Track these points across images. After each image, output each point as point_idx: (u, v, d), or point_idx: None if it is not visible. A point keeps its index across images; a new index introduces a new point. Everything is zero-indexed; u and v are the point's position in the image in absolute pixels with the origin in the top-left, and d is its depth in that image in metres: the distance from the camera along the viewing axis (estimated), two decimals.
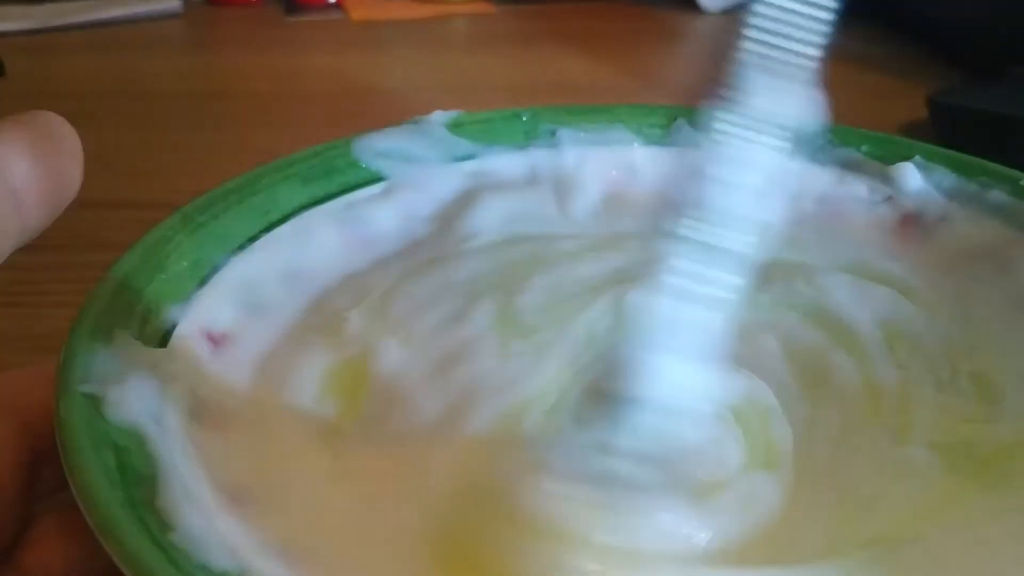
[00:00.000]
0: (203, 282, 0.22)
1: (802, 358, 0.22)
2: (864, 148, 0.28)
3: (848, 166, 0.28)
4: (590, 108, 0.30)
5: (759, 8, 0.17)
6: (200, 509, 0.16)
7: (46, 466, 0.18)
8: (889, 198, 0.27)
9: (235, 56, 0.65)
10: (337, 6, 0.75)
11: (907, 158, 0.27)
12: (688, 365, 0.16)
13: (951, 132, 0.47)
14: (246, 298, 0.23)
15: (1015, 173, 0.26)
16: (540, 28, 0.72)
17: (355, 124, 0.28)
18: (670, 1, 0.75)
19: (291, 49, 0.67)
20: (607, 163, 0.29)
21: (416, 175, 0.27)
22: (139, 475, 0.16)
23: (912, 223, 0.26)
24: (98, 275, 0.20)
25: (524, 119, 0.29)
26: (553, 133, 0.29)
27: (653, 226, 0.17)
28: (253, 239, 0.24)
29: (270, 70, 0.61)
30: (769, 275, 0.24)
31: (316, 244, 0.25)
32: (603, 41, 0.69)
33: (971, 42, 0.59)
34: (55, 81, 0.59)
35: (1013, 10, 0.54)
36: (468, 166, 0.28)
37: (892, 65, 0.61)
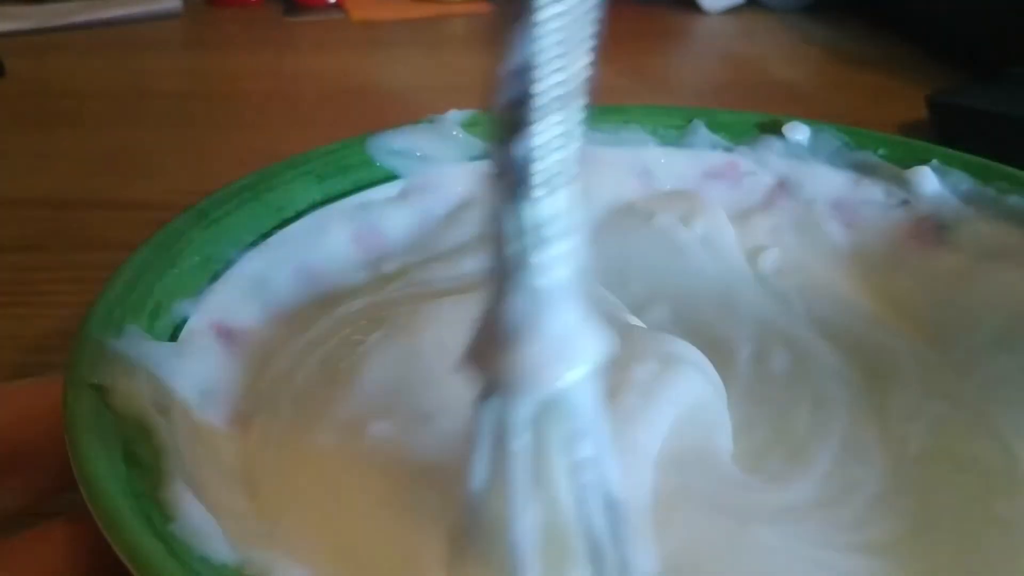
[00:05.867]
0: (215, 277, 0.22)
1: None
2: (881, 151, 0.28)
3: (864, 169, 0.28)
4: (605, 108, 0.30)
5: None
6: (203, 501, 0.16)
7: (11, 476, 0.18)
8: (905, 202, 0.27)
9: (235, 56, 0.65)
10: (337, 6, 0.75)
11: (924, 161, 0.27)
12: None
13: (951, 132, 0.47)
14: (257, 294, 0.23)
15: None
16: None
17: (355, 124, 0.28)
18: (670, 1, 0.75)
19: (291, 49, 0.67)
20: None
21: (431, 174, 0.27)
22: (144, 466, 0.16)
23: (928, 227, 0.26)
24: (98, 275, 0.20)
25: None
26: None
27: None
28: (266, 236, 0.24)
29: (270, 70, 0.61)
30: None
31: (329, 242, 0.25)
32: (603, 41, 0.69)
33: (971, 42, 0.59)
34: (55, 81, 0.59)
35: (1013, 10, 0.54)
36: (482, 165, 0.28)
37: (892, 65, 0.61)
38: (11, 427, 0.18)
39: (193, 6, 0.73)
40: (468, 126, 0.28)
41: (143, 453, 0.16)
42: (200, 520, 0.15)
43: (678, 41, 0.73)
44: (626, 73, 0.62)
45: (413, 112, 0.29)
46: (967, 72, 0.57)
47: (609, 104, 0.30)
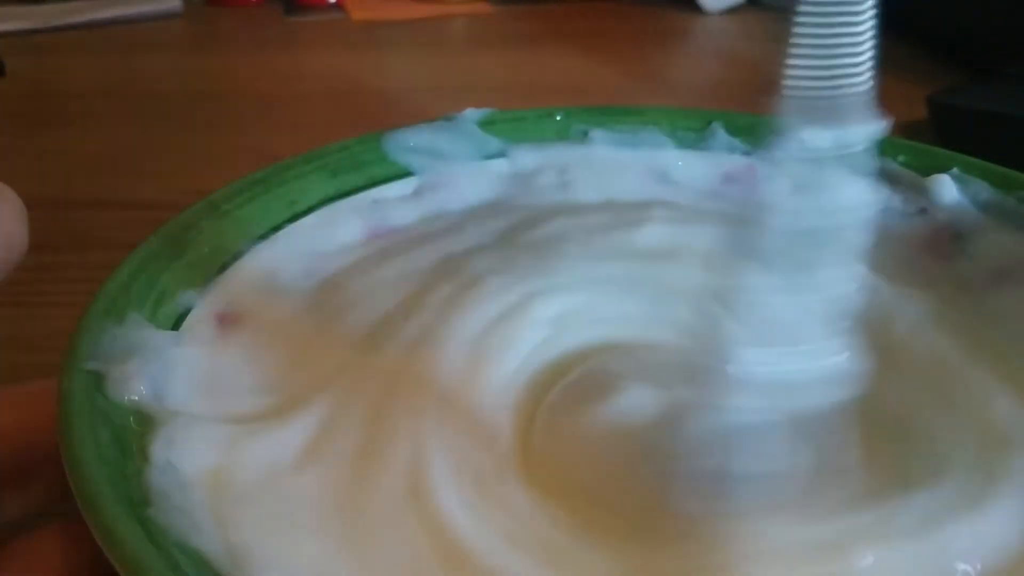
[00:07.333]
0: (223, 268, 0.22)
1: None
2: (901, 158, 0.27)
3: (883, 176, 0.27)
4: (624, 109, 0.30)
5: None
6: (187, 489, 0.16)
7: (15, 481, 0.18)
8: (923, 210, 0.26)
9: (235, 56, 0.65)
10: (337, 6, 0.75)
11: (945, 169, 0.26)
12: None
13: (951, 132, 0.47)
14: (265, 286, 0.23)
15: None
16: (540, 28, 0.72)
17: (355, 124, 0.28)
18: (670, 1, 0.75)
19: (291, 49, 0.67)
20: None
21: (446, 172, 0.27)
22: (132, 452, 0.16)
23: (944, 237, 0.26)
24: (98, 275, 0.20)
25: (557, 119, 0.29)
26: (586, 133, 0.29)
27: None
28: (277, 228, 0.24)
29: (270, 70, 0.61)
30: None
31: (339, 236, 0.25)
32: (603, 41, 0.69)
33: (971, 42, 0.59)
34: (55, 81, 0.59)
35: (1013, 10, 0.54)
36: (498, 165, 0.28)
37: (892, 65, 0.61)
38: (15, 430, 0.18)
39: (193, 6, 0.73)
40: (484, 125, 0.28)
41: (134, 439, 0.16)
42: (182, 507, 0.15)
43: (678, 41, 0.73)
44: (626, 73, 0.62)
45: (413, 112, 0.29)
46: (967, 72, 0.57)
47: (614, 105, 0.30)
